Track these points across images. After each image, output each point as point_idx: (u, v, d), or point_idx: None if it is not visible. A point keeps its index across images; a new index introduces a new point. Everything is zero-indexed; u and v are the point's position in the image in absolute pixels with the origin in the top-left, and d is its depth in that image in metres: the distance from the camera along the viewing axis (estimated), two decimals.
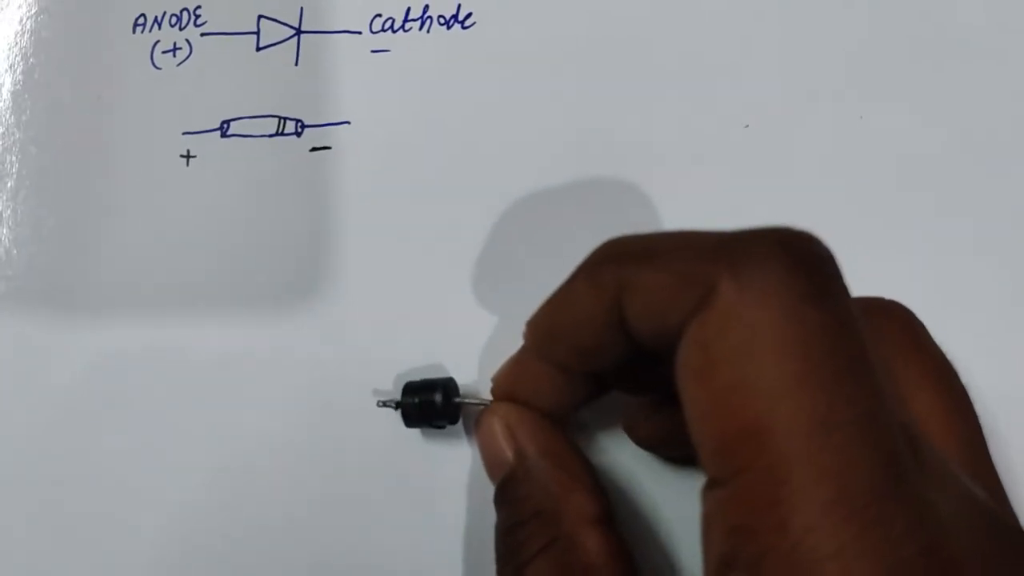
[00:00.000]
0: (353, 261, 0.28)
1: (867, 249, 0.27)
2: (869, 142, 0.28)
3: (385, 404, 0.26)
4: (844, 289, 0.17)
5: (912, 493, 0.15)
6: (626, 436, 0.25)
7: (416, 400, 0.25)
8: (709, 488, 0.17)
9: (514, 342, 0.23)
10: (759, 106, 0.28)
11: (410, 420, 0.25)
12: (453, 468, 0.26)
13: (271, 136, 0.29)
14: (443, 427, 0.26)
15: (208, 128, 0.29)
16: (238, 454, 0.27)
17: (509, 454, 0.23)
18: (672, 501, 0.26)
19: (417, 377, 0.26)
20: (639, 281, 0.18)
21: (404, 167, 0.28)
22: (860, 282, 0.19)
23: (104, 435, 0.27)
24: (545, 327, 0.21)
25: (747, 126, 0.28)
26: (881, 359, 0.18)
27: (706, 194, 0.28)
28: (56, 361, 0.28)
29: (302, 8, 0.29)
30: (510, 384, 0.24)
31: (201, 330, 0.28)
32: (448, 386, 0.25)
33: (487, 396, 0.24)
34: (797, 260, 0.16)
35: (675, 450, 0.25)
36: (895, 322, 0.21)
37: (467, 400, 0.25)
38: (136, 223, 0.28)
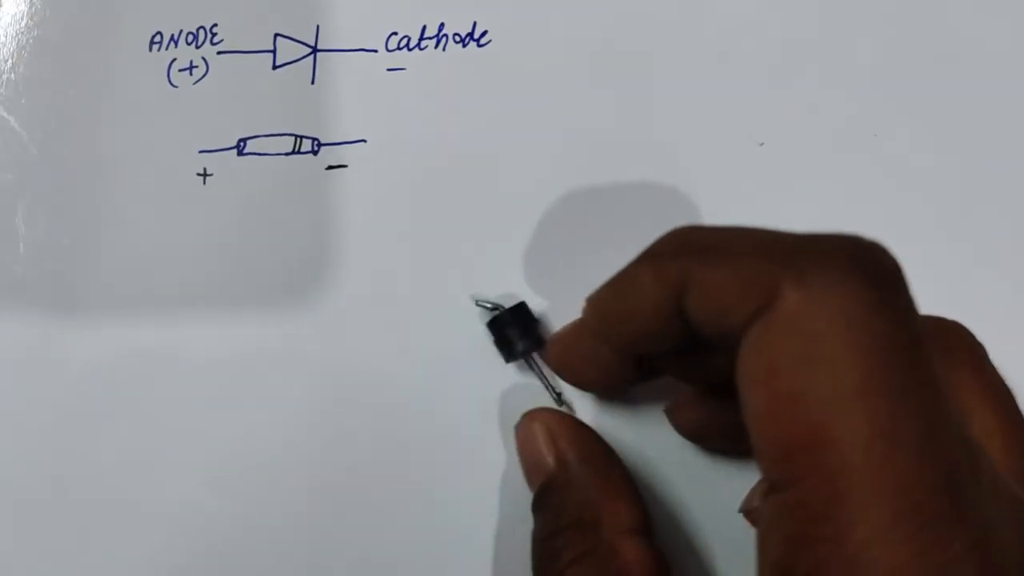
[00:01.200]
0: (367, 274, 0.28)
1: None
2: (883, 159, 0.28)
3: (482, 304, 0.27)
4: (911, 302, 0.17)
5: (972, 514, 0.15)
6: (669, 447, 0.25)
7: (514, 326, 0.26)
8: (769, 493, 0.17)
9: None
10: (774, 124, 0.28)
11: (499, 329, 0.26)
12: (454, 467, 0.27)
13: (287, 154, 0.29)
14: (515, 353, 0.26)
15: (225, 146, 0.29)
16: (239, 455, 0.27)
17: (550, 460, 0.23)
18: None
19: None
20: (703, 278, 0.18)
21: (421, 185, 0.28)
22: None
23: (105, 436, 0.27)
24: (603, 309, 0.21)
25: (762, 144, 0.28)
26: (944, 377, 0.18)
27: (722, 211, 0.28)
28: (60, 364, 0.28)
29: (318, 26, 0.29)
30: (565, 351, 0.24)
31: (207, 333, 0.28)
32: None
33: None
34: (865, 269, 0.16)
35: (715, 442, 0.25)
36: (958, 342, 0.21)
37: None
38: (153, 241, 0.28)
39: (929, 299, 0.27)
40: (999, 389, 0.20)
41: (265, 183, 0.28)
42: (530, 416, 0.24)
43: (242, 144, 0.29)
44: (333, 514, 0.27)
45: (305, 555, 0.26)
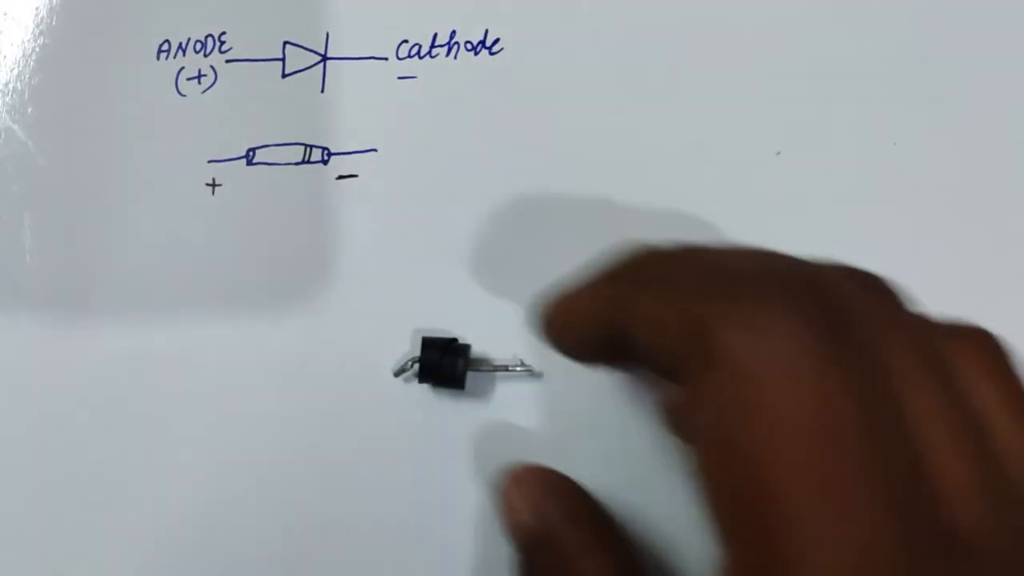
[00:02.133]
0: (378, 285, 0.28)
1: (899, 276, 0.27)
2: (902, 168, 0.28)
3: (405, 370, 0.27)
4: (868, 340, 0.16)
5: (935, 568, 0.14)
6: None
7: (439, 358, 0.26)
8: (720, 548, 0.16)
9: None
10: (790, 132, 0.28)
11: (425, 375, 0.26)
12: (456, 466, 0.27)
13: (297, 164, 0.28)
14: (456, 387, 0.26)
15: (234, 156, 0.28)
16: (242, 457, 0.27)
17: (531, 518, 0.23)
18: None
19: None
20: (641, 311, 0.17)
21: (432, 194, 0.28)
22: None
23: (112, 441, 0.27)
24: (549, 320, 0.21)
25: (778, 153, 0.28)
26: (924, 409, 0.17)
27: (739, 222, 0.27)
28: (67, 375, 0.28)
29: (328, 34, 0.29)
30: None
31: (216, 343, 0.28)
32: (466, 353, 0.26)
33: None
34: (806, 308, 0.15)
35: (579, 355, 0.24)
36: (975, 347, 0.19)
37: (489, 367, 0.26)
38: (162, 252, 0.28)
39: (954, 308, 0.27)
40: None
41: (275, 193, 0.28)
42: (513, 475, 0.23)
43: (251, 154, 0.28)
44: (333, 515, 0.27)
45: (307, 554, 0.26)
